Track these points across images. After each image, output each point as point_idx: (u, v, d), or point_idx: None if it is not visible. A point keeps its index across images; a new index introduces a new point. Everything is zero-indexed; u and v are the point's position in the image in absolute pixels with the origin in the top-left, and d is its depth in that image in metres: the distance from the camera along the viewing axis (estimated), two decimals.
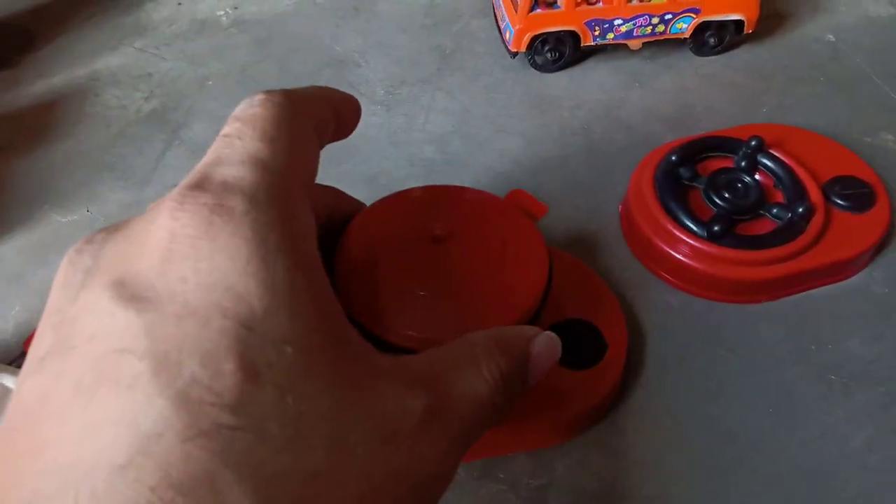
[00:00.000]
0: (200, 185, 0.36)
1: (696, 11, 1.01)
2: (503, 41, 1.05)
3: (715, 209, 0.80)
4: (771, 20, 1.13)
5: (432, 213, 0.64)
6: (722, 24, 1.04)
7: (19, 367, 0.68)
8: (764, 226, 0.80)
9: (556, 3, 0.97)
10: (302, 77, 1.05)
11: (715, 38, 1.05)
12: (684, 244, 0.78)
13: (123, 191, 0.92)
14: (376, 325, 0.59)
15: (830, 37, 1.13)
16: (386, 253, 0.62)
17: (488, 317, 0.59)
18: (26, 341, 0.74)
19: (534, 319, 0.62)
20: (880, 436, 0.70)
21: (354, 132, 1.00)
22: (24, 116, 1.01)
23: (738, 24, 1.04)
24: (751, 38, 1.09)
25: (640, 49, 1.05)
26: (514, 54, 1.03)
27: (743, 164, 0.84)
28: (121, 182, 0.93)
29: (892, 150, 0.96)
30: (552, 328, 0.72)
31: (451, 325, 0.58)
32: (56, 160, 0.95)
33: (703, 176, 0.83)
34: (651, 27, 1.02)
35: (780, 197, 0.83)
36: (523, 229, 0.65)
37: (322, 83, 1.03)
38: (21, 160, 0.95)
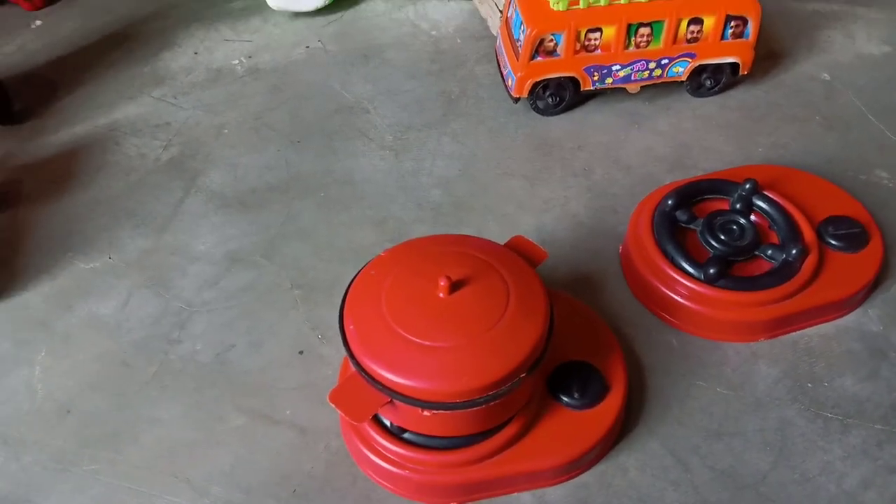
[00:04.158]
0: None
1: (692, 56, 1.05)
2: (506, 87, 1.09)
3: (711, 251, 0.83)
4: (766, 60, 1.16)
5: (437, 264, 0.67)
6: (718, 67, 1.07)
7: None
8: (759, 267, 0.83)
9: (556, 51, 1.01)
10: (313, 124, 1.09)
11: (711, 80, 1.09)
12: (682, 286, 0.81)
13: (143, 237, 0.96)
14: (384, 374, 0.62)
15: (825, 75, 1.16)
16: (393, 303, 0.65)
17: (492, 365, 0.62)
18: None
19: (535, 365, 0.65)
20: (876, 473, 0.72)
21: (363, 176, 1.04)
22: (46, 165, 1.05)
23: (734, 66, 1.08)
24: (746, 79, 1.12)
25: (638, 92, 1.09)
26: (517, 99, 1.07)
27: (738, 206, 0.87)
28: (140, 229, 0.97)
29: (885, 188, 0.98)
30: (555, 370, 0.75)
31: (456, 374, 0.62)
32: (78, 208, 1.00)
33: (699, 218, 0.86)
34: (648, 72, 1.05)
35: (774, 238, 0.86)
36: (525, 277, 0.68)
37: (333, 129, 1.08)
38: (44, 208, 0.99)
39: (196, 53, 1.23)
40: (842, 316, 0.84)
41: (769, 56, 1.18)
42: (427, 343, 0.62)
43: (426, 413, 0.62)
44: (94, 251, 0.94)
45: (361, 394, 0.63)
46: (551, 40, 1.00)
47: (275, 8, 1.25)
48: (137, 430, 0.77)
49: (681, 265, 0.81)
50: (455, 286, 0.64)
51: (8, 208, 0.99)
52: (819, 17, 1.25)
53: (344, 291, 0.69)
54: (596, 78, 1.05)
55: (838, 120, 1.08)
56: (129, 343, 0.85)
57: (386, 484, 0.71)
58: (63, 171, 1.05)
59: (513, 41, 1.05)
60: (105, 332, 0.85)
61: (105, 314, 0.87)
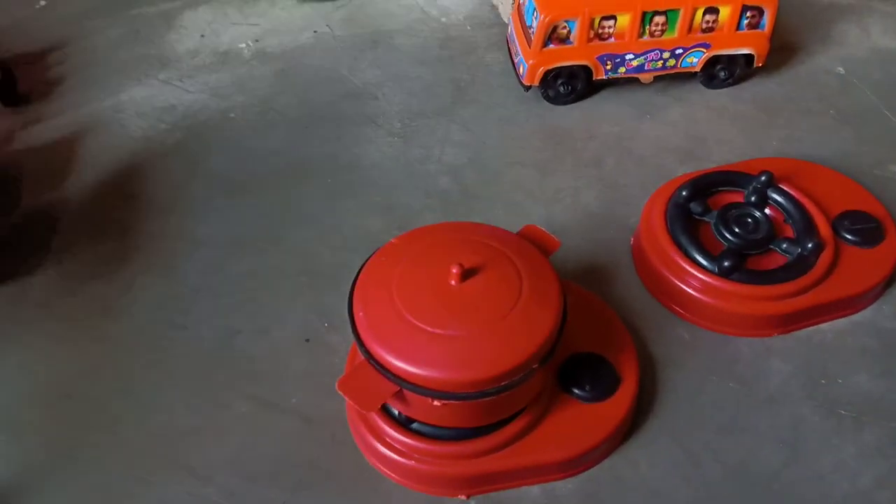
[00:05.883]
0: None
1: (707, 46, 1.03)
2: (517, 75, 1.07)
3: (725, 244, 0.82)
4: (781, 52, 1.15)
5: (448, 251, 0.66)
6: (732, 58, 1.06)
7: None
8: (774, 260, 0.82)
9: (568, 38, 1.00)
10: (320, 109, 1.08)
11: (725, 72, 1.07)
12: (695, 279, 0.79)
13: (147, 221, 0.94)
14: (394, 362, 0.61)
15: (840, 69, 1.14)
16: (404, 291, 0.64)
17: (504, 355, 0.61)
18: None
19: (548, 356, 0.64)
20: (891, 473, 0.70)
21: (370, 162, 1.03)
22: (50, 147, 1.04)
23: (749, 58, 1.06)
24: (761, 71, 1.11)
25: (651, 82, 1.07)
26: (528, 88, 1.05)
27: (753, 198, 0.85)
28: (145, 212, 0.95)
29: None
30: (566, 362, 0.74)
31: (467, 364, 0.60)
32: (81, 190, 0.98)
33: (713, 210, 0.85)
34: (662, 61, 1.04)
35: (789, 232, 0.84)
36: (538, 266, 0.67)
37: (340, 115, 1.07)
38: (47, 190, 0.98)
39: (202, 36, 1.21)
40: (856, 312, 0.82)
41: (783, 48, 1.16)
42: (438, 331, 0.61)
43: (436, 403, 0.61)
44: (99, 235, 0.93)
45: (371, 382, 0.61)
46: (564, 27, 0.98)
47: None
48: (140, 416, 0.76)
49: (694, 257, 0.80)
50: (467, 274, 0.63)
51: (11, 190, 0.98)
52: (834, 10, 1.23)
53: (353, 278, 0.68)
54: (609, 67, 1.03)
55: (853, 114, 1.07)
56: (132, 327, 0.83)
57: (392, 474, 0.70)
58: (67, 153, 1.03)
59: (525, 28, 1.03)
60: (108, 316, 0.84)
61: (108, 297, 0.86)
